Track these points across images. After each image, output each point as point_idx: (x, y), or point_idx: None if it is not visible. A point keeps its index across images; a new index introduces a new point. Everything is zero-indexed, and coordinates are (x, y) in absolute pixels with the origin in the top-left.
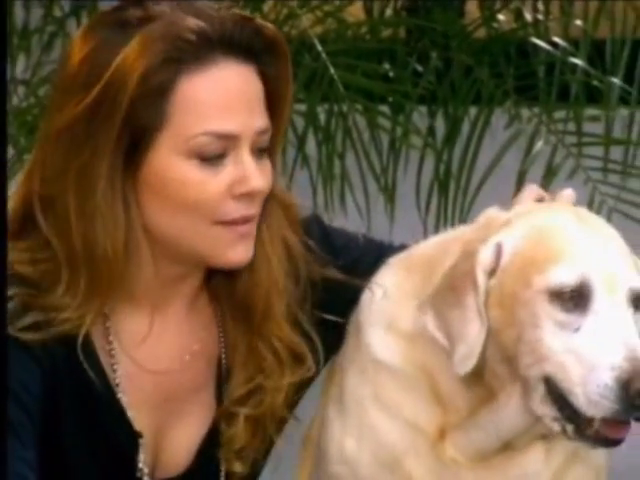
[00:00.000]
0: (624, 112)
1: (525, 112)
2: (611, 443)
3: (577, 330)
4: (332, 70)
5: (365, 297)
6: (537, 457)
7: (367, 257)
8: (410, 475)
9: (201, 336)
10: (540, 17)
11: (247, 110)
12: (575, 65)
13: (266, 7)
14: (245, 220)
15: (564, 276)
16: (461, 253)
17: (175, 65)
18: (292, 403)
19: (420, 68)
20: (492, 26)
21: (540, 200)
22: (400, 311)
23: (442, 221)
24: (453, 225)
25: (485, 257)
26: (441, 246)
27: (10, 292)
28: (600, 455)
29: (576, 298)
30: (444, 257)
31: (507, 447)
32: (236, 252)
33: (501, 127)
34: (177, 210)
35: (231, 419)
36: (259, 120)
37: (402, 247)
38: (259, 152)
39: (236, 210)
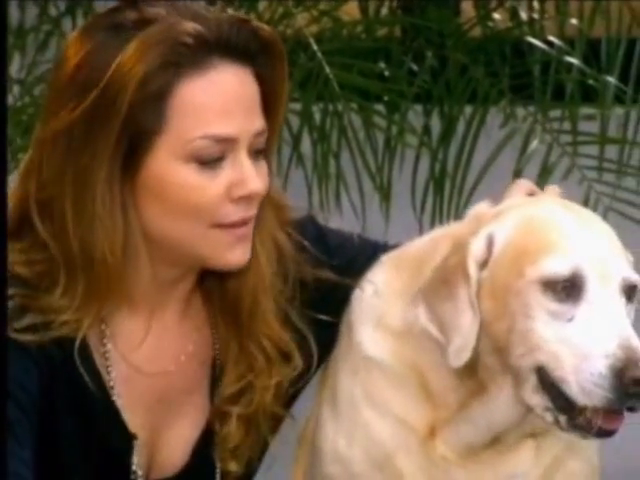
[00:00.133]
0: (619, 111)
1: (520, 111)
2: (604, 434)
3: (570, 320)
4: (327, 69)
5: (356, 295)
6: (527, 455)
7: (362, 257)
8: (401, 473)
9: (195, 338)
10: (535, 16)
11: (245, 113)
12: (570, 64)
13: (261, 6)
14: (243, 222)
15: (557, 266)
16: (452, 246)
17: (173, 69)
18: (288, 402)
19: (415, 67)
20: (487, 25)
21: (531, 194)
22: (389, 308)
23: (437, 220)
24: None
25: (477, 248)
26: (430, 243)
27: (9, 292)
28: (594, 453)
29: (569, 288)
30: (433, 254)
31: (497, 443)
32: (235, 254)
33: (496, 126)
34: (176, 214)
35: (224, 418)
36: (256, 122)
37: (397, 246)
38: (256, 154)
39: (235, 213)
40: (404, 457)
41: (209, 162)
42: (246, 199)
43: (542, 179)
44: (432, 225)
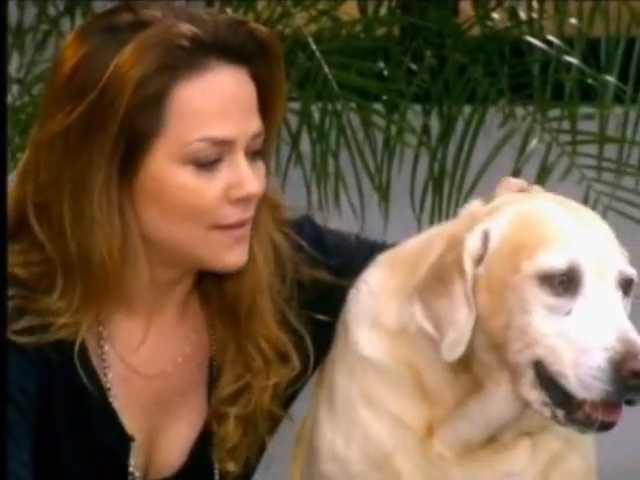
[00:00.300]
0: (618, 110)
1: (519, 110)
2: (603, 427)
3: (568, 314)
4: (326, 69)
5: (351, 295)
6: (523, 453)
7: (359, 257)
8: (399, 472)
9: (192, 339)
10: (534, 16)
11: (242, 114)
12: (569, 64)
13: (260, 6)
14: (241, 224)
15: (554, 260)
16: (447, 243)
17: (170, 72)
18: (286, 402)
19: (414, 66)
20: (486, 25)
21: (521, 191)
22: (384, 308)
23: (436, 220)
24: None
25: (472, 244)
26: (425, 242)
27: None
28: (592, 449)
29: (566, 282)
30: (428, 253)
31: (493, 441)
32: (233, 255)
33: (495, 125)
34: (173, 216)
35: (222, 419)
36: (253, 124)
37: (394, 246)
38: (253, 155)
39: (233, 214)
40: (401, 456)
41: (206, 164)
42: (244, 201)
43: (541, 178)
44: (431, 225)
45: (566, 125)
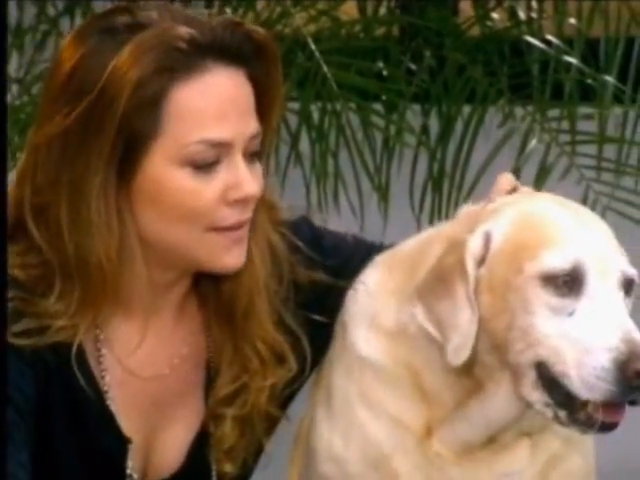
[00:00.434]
0: (618, 110)
1: (519, 110)
2: (606, 427)
3: (571, 314)
4: (325, 68)
5: (349, 296)
6: (523, 453)
7: (356, 258)
8: (397, 472)
9: (189, 341)
10: (534, 15)
11: (240, 116)
12: (569, 64)
13: (259, 5)
14: (239, 225)
15: (557, 261)
16: (448, 245)
17: (168, 74)
18: (283, 403)
19: (414, 66)
20: (486, 24)
21: (513, 189)
22: (382, 309)
23: (436, 220)
24: None
25: (474, 246)
26: (423, 243)
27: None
28: (591, 449)
29: (569, 282)
30: (427, 254)
31: (492, 442)
32: (231, 257)
33: (495, 125)
34: (171, 218)
35: (219, 420)
36: (251, 125)
37: (392, 247)
38: (250, 156)
39: (231, 216)
40: (400, 456)
41: (204, 166)
42: (242, 202)
43: (540, 178)
44: (430, 225)
45: (565, 125)
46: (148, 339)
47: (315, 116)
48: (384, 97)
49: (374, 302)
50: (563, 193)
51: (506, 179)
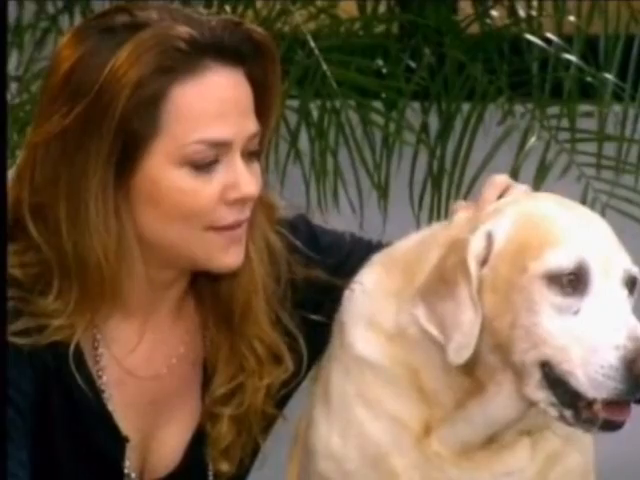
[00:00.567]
0: (617, 108)
1: (518, 108)
2: (612, 426)
3: (576, 313)
4: (325, 66)
5: (347, 295)
6: (522, 453)
7: (354, 257)
8: (395, 471)
9: (186, 340)
10: (533, 13)
11: (239, 116)
12: (569, 61)
13: (259, 4)
14: (238, 225)
15: (562, 260)
16: (449, 245)
17: (167, 74)
18: (280, 402)
19: (413, 64)
20: (485, 22)
21: (506, 189)
22: (380, 308)
23: (435, 217)
24: None
25: (477, 246)
26: (421, 242)
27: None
28: (591, 445)
29: (574, 281)
30: (425, 255)
31: (492, 442)
32: (230, 256)
33: (494, 123)
34: (170, 217)
35: (215, 419)
36: (250, 125)
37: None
38: (249, 156)
39: (229, 215)
40: (398, 455)
41: (203, 166)
42: (240, 202)
43: (540, 176)
44: (430, 222)
45: (565, 123)
46: (146, 339)
47: (314, 114)
48: (383, 95)
49: (372, 302)
50: (562, 191)
51: (500, 179)
